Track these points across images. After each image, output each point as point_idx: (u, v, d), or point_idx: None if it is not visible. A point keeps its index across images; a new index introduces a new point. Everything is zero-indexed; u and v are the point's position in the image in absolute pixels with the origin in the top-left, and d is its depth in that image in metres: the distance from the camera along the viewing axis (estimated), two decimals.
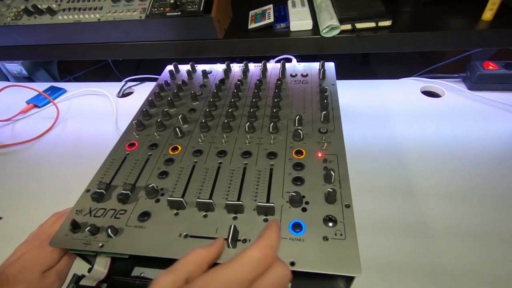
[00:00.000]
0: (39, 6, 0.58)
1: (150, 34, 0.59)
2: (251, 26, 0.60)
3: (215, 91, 0.54)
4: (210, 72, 0.61)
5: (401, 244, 0.41)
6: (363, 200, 0.43)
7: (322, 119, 0.46)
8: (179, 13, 0.54)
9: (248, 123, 0.46)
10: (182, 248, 0.32)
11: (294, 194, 0.34)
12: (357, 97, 0.68)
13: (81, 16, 0.57)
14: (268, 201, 0.36)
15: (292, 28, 0.58)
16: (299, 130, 0.43)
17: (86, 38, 0.61)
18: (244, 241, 0.32)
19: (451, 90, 0.68)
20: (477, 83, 0.65)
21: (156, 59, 0.65)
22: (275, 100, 0.50)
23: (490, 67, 0.65)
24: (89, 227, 0.33)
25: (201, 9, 0.53)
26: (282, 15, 0.60)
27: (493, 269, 0.38)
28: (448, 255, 0.40)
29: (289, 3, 0.62)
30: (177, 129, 0.46)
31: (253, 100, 0.50)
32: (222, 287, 0.22)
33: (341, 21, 0.54)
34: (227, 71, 0.60)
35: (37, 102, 0.76)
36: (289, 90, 0.54)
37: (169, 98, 0.53)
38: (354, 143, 0.55)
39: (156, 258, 0.32)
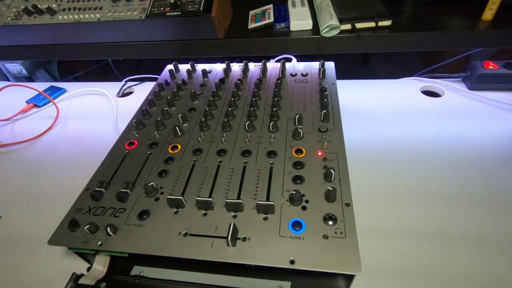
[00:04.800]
0: (39, 6, 0.58)
1: (150, 34, 0.59)
2: (251, 26, 0.60)
3: (215, 90, 0.54)
4: (210, 72, 0.61)
5: (399, 246, 0.41)
6: (362, 200, 0.43)
7: (322, 118, 0.46)
8: (179, 13, 0.54)
9: (248, 122, 0.46)
10: (181, 246, 0.32)
11: (294, 192, 0.34)
12: (357, 97, 0.68)
13: (81, 16, 0.57)
14: (268, 200, 0.36)
15: (292, 28, 0.58)
16: (299, 129, 0.43)
17: (86, 38, 0.61)
18: (244, 239, 0.32)
19: (451, 89, 0.68)
20: (477, 82, 0.65)
21: (156, 59, 0.65)
22: (275, 99, 0.50)
23: (490, 66, 0.65)
24: (88, 226, 0.33)
25: (201, 9, 0.53)
26: (282, 15, 0.60)
27: (493, 270, 0.38)
28: (446, 259, 0.39)
29: (289, 3, 0.62)
30: (176, 128, 0.46)
31: (253, 99, 0.50)
32: None
33: (341, 21, 0.54)
34: (227, 70, 0.60)
35: (37, 102, 0.76)
36: (289, 89, 0.54)
37: (169, 97, 0.53)
38: (354, 143, 0.55)
39: (155, 256, 0.32)
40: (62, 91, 0.80)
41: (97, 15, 0.57)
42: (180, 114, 0.48)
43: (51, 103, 0.75)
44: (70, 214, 0.37)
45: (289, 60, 0.65)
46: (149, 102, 0.54)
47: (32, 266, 0.43)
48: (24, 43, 0.63)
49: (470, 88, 0.67)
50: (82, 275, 0.34)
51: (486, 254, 0.39)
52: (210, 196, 0.37)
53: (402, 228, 0.43)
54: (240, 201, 0.34)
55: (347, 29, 0.55)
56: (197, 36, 0.58)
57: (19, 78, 1.00)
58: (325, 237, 0.32)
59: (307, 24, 0.57)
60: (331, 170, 0.37)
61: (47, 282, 0.41)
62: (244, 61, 0.61)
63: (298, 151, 0.41)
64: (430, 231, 0.42)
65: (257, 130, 0.46)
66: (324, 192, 0.36)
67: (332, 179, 0.37)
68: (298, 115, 0.45)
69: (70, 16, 0.57)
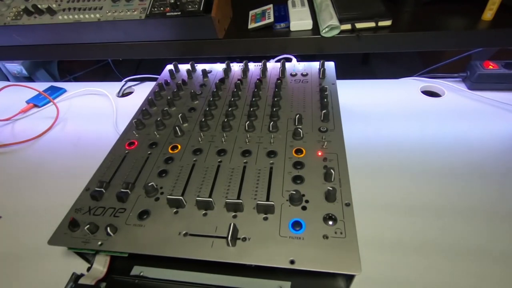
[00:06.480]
0: (39, 6, 0.58)
1: (150, 34, 0.59)
2: (251, 26, 0.60)
3: (215, 90, 0.54)
4: (210, 72, 0.61)
5: (399, 245, 0.41)
6: (362, 200, 0.43)
7: (322, 118, 0.46)
8: (179, 13, 0.54)
9: (248, 122, 0.46)
10: (181, 246, 0.32)
11: (294, 192, 0.34)
12: (357, 97, 0.68)
13: (81, 16, 0.57)
14: (268, 200, 0.36)
15: (292, 28, 0.58)
16: (299, 129, 0.43)
17: (86, 38, 0.61)
18: (244, 239, 0.32)
19: (451, 90, 0.68)
20: (477, 82, 0.65)
21: (156, 59, 0.65)
22: (275, 99, 0.50)
23: (490, 66, 0.65)
24: (88, 226, 0.33)
25: (201, 9, 0.53)
26: (282, 15, 0.60)
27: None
28: (447, 257, 0.40)
29: (289, 3, 0.62)
30: (176, 128, 0.46)
31: (253, 99, 0.50)
32: None
33: (341, 21, 0.54)
34: (227, 70, 0.60)
35: (37, 102, 0.76)
36: (289, 89, 0.54)
37: (169, 97, 0.53)
38: (354, 143, 0.55)
39: (155, 256, 0.32)
40: (62, 91, 0.80)
41: (97, 15, 0.57)
42: (180, 114, 0.48)
43: (51, 103, 0.75)
44: (70, 214, 0.37)
45: (289, 60, 0.65)
46: (149, 102, 0.54)
47: (31, 266, 0.43)
48: (24, 43, 0.63)
49: (470, 88, 0.67)
50: (82, 275, 0.34)
51: (487, 252, 0.39)
52: (210, 196, 0.37)
53: (402, 227, 0.43)
54: (240, 201, 0.34)
55: (347, 29, 0.55)
56: (197, 36, 0.58)
57: (19, 78, 1.00)
58: (325, 237, 0.32)
59: (307, 24, 0.57)
60: (331, 170, 0.37)
61: (47, 282, 0.41)
62: (244, 61, 0.61)
63: (298, 151, 0.41)
64: (430, 230, 0.42)
65: (257, 130, 0.46)
66: (324, 192, 0.36)
67: (332, 179, 0.37)
68: (298, 115, 0.45)
69: (70, 16, 0.57)
